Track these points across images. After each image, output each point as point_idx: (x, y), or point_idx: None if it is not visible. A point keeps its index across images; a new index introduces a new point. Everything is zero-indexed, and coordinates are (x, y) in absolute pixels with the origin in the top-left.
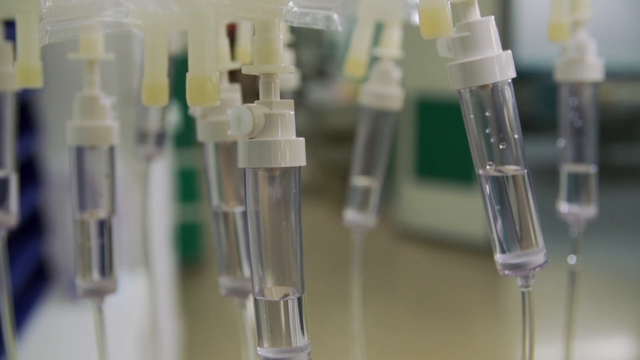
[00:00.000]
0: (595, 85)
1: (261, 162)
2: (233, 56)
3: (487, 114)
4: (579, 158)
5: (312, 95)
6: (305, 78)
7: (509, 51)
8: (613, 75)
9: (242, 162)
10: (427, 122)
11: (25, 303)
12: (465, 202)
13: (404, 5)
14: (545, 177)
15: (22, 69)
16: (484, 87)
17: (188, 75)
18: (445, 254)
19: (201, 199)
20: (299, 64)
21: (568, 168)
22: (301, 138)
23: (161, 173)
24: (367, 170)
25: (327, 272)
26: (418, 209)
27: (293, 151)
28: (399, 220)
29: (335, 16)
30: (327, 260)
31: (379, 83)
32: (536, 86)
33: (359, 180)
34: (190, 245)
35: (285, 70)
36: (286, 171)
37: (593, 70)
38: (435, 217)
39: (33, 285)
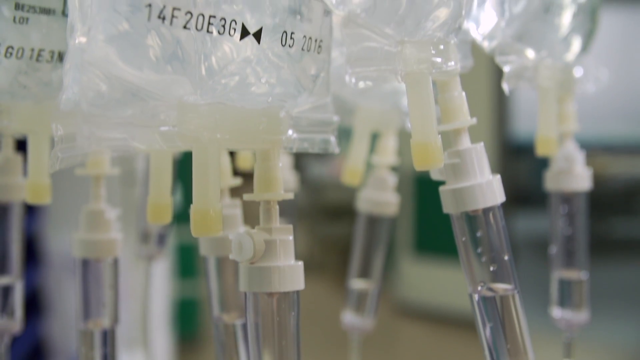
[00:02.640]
0: (585, 194)
1: (261, 287)
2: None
3: (478, 234)
4: (570, 264)
5: (311, 171)
6: (303, 153)
7: (498, 176)
8: (609, 148)
9: (242, 286)
10: (426, 198)
11: None
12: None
13: (399, 114)
14: (542, 251)
15: (33, 187)
16: (474, 210)
17: (192, 207)
18: (445, 330)
19: (200, 275)
20: None
21: (559, 274)
22: (300, 262)
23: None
24: (364, 274)
25: (326, 349)
26: (417, 284)
27: (292, 276)
28: (398, 295)
29: (332, 139)
30: (326, 337)
31: (375, 189)
32: (532, 160)
33: (356, 283)
34: (188, 322)
35: (285, 197)
36: (286, 295)
37: (581, 180)
38: (435, 293)
39: None
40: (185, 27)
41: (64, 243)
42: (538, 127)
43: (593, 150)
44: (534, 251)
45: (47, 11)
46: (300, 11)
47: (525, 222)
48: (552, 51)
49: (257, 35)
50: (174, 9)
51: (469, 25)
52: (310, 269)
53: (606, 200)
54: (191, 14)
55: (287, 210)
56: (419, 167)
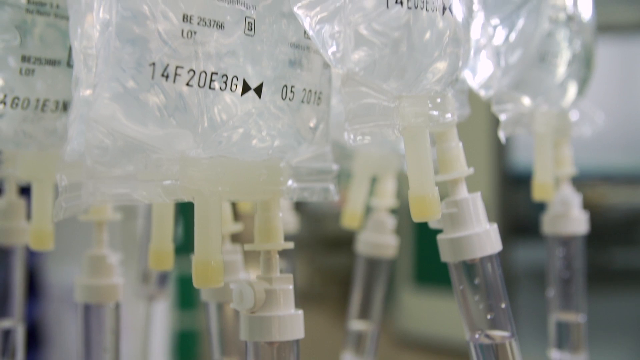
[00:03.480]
0: (582, 237)
1: (262, 336)
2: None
3: (475, 282)
4: (567, 306)
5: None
6: None
7: (495, 225)
8: (609, 178)
9: (243, 335)
10: (426, 229)
11: None
12: None
13: (398, 158)
14: (541, 281)
15: (36, 233)
16: (472, 259)
17: (194, 259)
18: None
19: (199, 306)
20: None
21: (557, 316)
22: (300, 311)
23: None
24: (364, 314)
25: None
26: (418, 315)
27: (292, 325)
28: (399, 327)
29: (332, 187)
30: None
31: (374, 232)
32: (532, 190)
33: (356, 324)
34: (188, 354)
35: (284, 246)
36: (286, 343)
37: (578, 223)
38: (435, 324)
39: None
40: (188, 84)
41: (63, 276)
42: (534, 172)
43: (593, 180)
44: (533, 281)
45: (52, 62)
46: (300, 64)
47: (525, 252)
48: (549, 98)
49: (258, 90)
50: (177, 67)
51: (465, 74)
52: (310, 300)
53: (606, 230)
54: (194, 71)
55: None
56: (416, 219)
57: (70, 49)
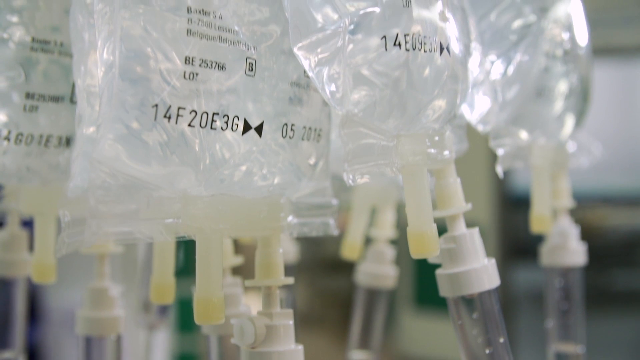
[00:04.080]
0: (580, 269)
1: None
2: None
3: (474, 316)
4: (566, 337)
5: None
6: None
7: (493, 260)
8: (609, 200)
9: None
10: None
11: None
12: None
13: (397, 189)
14: (541, 304)
15: (38, 267)
16: (471, 294)
17: (195, 295)
18: None
19: (199, 329)
20: None
21: (556, 347)
22: (300, 346)
23: None
24: (364, 344)
25: None
26: (418, 338)
27: None
28: (399, 349)
29: (332, 221)
30: None
31: (374, 263)
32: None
33: (356, 354)
34: None
35: (285, 282)
36: None
37: (576, 255)
38: (435, 347)
39: None
40: (190, 124)
41: (63, 300)
42: (532, 205)
43: (593, 202)
44: (533, 304)
45: (56, 99)
46: (300, 100)
47: (525, 274)
48: (546, 131)
49: (259, 129)
50: (179, 107)
51: (463, 109)
52: (310, 322)
53: (606, 252)
54: (196, 112)
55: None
56: (415, 255)
57: (73, 86)
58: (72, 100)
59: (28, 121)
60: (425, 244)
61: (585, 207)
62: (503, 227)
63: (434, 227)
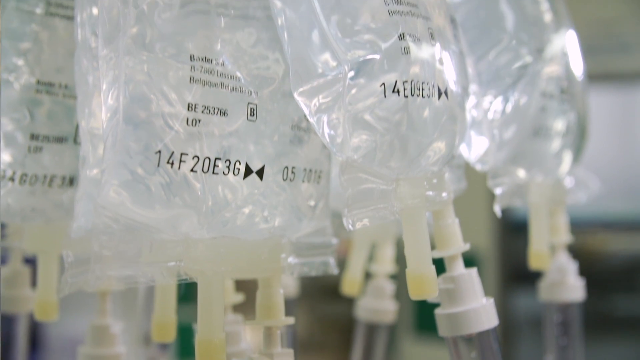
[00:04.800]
0: (579, 304)
1: None
2: None
3: (472, 355)
4: None
5: None
6: None
7: (492, 300)
8: (609, 225)
9: None
10: None
11: None
12: None
13: (396, 224)
14: (540, 329)
15: (41, 305)
16: (469, 334)
17: (197, 337)
18: None
19: None
20: None
21: None
22: None
23: None
24: None
25: None
26: None
27: None
28: None
29: (332, 260)
30: None
31: (374, 298)
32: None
33: None
34: None
35: (285, 322)
36: None
37: (575, 291)
38: None
39: None
40: (192, 169)
41: (64, 328)
42: (530, 242)
43: (593, 227)
44: (534, 329)
45: (60, 139)
46: (301, 141)
47: (526, 300)
48: (544, 169)
49: (260, 173)
50: (182, 153)
51: (461, 148)
52: (310, 348)
53: (607, 277)
54: (198, 157)
55: (288, 303)
56: (414, 297)
57: (76, 127)
58: (76, 141)
59: (32, 162)
60: (424, 286)
61: (585, 232)
62: (503, 252)
63: (433, 269)
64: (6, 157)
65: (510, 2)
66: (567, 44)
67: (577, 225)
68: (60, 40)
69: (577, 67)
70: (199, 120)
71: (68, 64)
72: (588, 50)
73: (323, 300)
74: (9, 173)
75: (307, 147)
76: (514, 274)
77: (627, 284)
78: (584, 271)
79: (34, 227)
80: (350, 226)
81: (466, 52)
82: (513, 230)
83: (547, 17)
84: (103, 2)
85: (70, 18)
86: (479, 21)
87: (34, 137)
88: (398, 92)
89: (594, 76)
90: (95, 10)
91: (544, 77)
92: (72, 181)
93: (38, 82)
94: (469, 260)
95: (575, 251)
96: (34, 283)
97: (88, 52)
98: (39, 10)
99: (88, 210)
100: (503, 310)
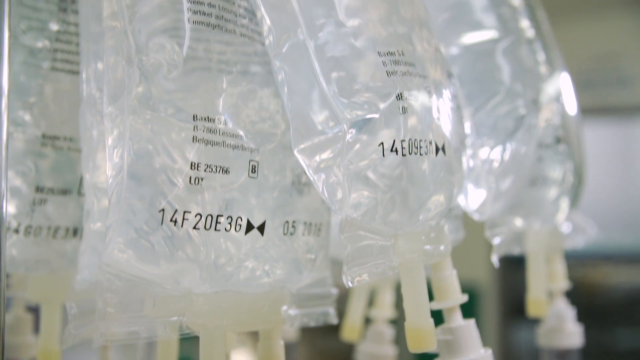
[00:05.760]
0: (577, 351)
1: None
2: None
3: None
4: None
5: None
6: None
7: (490, 351)
8: (611, 257)
9: None
10: None
11: None
12: None
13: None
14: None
15: (44, 354)
16: None
17: None
18: None
19: None
20: None
21: None
22: None
23: None
24: None
25: None
26: None
27: None
28: None
29: (331, 310)
30: None
31: (374, 343)
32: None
33: None
34: None
35: None
36: None
37: (573, 337)
38: None
39: None
40: (195, 227)
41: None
42: (528, 289)
43: (595, 259)
44: None
45: (64, 192)
46: (301, 193)
47: (526, 333)
48: (541, 217)
49: (261, 228)
50: (185, 212)
51: (459, 198)
52: None
53: (609, 309)
54: (200, 215)
55: (288, 348)
56: (413, 350)
57: (80, 179)
58: (80, 193)
59: (37, 214)
60: (423, 339)
61: (586, 265)
62: (503, 286)
63: (431, 322)
64: (11, 209)
65: (506, 54)
66: (562, 89)
67: (578, 258)
68: (65, 94)
69: (572, 110)
70: (202, 179)
71: (73, 117)
72: (587, 83)
73: (323, 334)
74: (14, 225)
75: (307, 198)
76: (514, 307)
77: (629, 317)
78: (585, 304)
79: (38, 277)
80: (349, 283)
81: (464, 104)
82: (513, 264)
83: (543, 68)
84: (108, 61)
85: (76, 73)
86: (476, 73)
87: (39, 189)
88: (396, 151)
89: (594, 110)
90: (100, 66)
91: (540, 127)
92: (75, 232)
93: (43, 135)
94: (469, 295)
95: (576, 284)
96: (36, 329)
97: (93, 108)
98: (45, 65)
99: (92, 263)
100: (503, 343)
